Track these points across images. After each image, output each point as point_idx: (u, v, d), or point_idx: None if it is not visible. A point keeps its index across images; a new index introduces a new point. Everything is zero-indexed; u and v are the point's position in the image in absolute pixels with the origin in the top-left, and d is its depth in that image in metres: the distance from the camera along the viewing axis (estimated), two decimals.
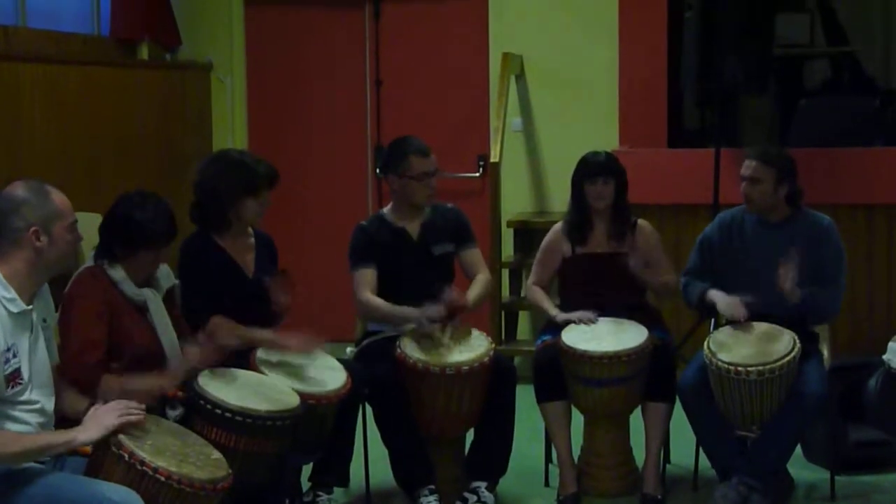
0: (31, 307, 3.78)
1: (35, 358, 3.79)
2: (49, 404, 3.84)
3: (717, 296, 5.31)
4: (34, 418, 3.76)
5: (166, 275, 4.56)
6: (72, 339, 4.19)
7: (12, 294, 3.72)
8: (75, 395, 4.01)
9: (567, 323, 5.42)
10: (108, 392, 3.96)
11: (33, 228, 3.74)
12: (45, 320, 3.91)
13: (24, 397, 3.73)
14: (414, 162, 5.40)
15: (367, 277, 5.40)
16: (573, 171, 5.62)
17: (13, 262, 3.75)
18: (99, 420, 3.66)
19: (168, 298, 4.58)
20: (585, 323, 5.38)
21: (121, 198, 4.46)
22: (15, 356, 3.70)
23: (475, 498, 5.28)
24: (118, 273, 4.35)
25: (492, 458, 5.39)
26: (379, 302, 5.36)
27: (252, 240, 5.11)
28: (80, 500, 3.52)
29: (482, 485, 5.33)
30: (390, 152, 5.50)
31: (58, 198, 3.84)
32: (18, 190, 3.80)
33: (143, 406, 3.78)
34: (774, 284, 5.16)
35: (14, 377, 3.69)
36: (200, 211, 4.99)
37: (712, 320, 5.63)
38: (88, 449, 3.73)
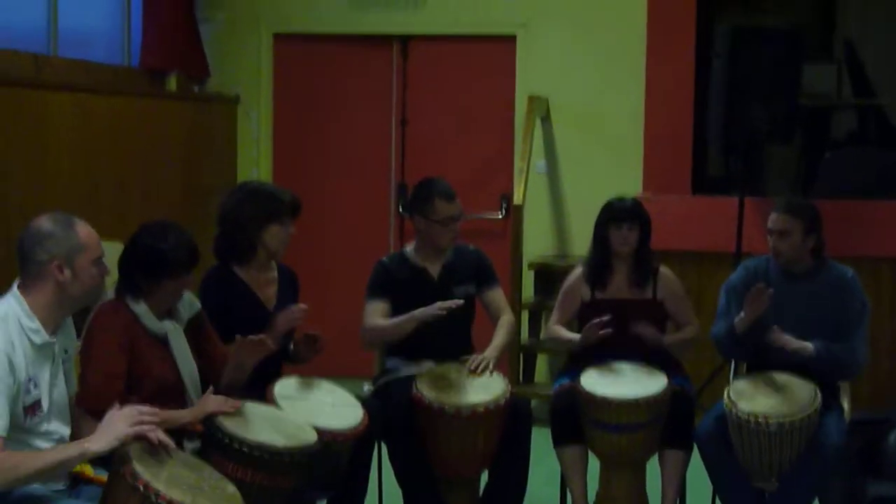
0: (54, 339, 3.79)
1: (55, 389, 3.79)
2: (66, 433, 3.84)
3: (738, 317, 5.25)
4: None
5: (189, 303, 4.56)
6: (92, 371, 4.18)
7: (37, 325, 3.73)
8: (93, 424, 4.00)
9: (587, 339, 5.39)
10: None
11: (56, 262, 3.74)
12: (66, 351, 3.92)
13: (43, 428, 3.73)
14: (439, 206, 5.40)
15: (378, 309, 5.39)
16: (598, 214, 5.62)
17: (38, 294, 3.76)
18: (111, 428, 3.60)
19: (196, 323, 4.58)
20: (599, 328, 5.35)
21: (141, 229, 4.46)
22: (36, 387, 3.70)
23: None
24: (140, 307, 4.35)
25: (506, 501, 5.36)
26: (382, 322, 5.35)
27: (275, 273, 5.11)
28: None
29: None
30: (416, 193, 5.50)
31: (83, 231, 3.83)
32: (44, 222, 3.81)
33: (157, 413, 3.75)
34: (799, 335, 5.15)
35: (34, 408, 3.69)
36: (225, 241, 4.99)
37: (732, 367, 5.61)
38: (104, 478, 3.72)
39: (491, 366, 5.30)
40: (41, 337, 3.73)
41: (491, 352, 5.38)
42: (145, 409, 3.70)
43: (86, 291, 3.85)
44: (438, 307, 5.17)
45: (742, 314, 5.20)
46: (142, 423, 3.63)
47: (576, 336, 5.50)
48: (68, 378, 3.93)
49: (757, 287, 5.15)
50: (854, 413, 5.34)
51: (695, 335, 5.57)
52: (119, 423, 3.61)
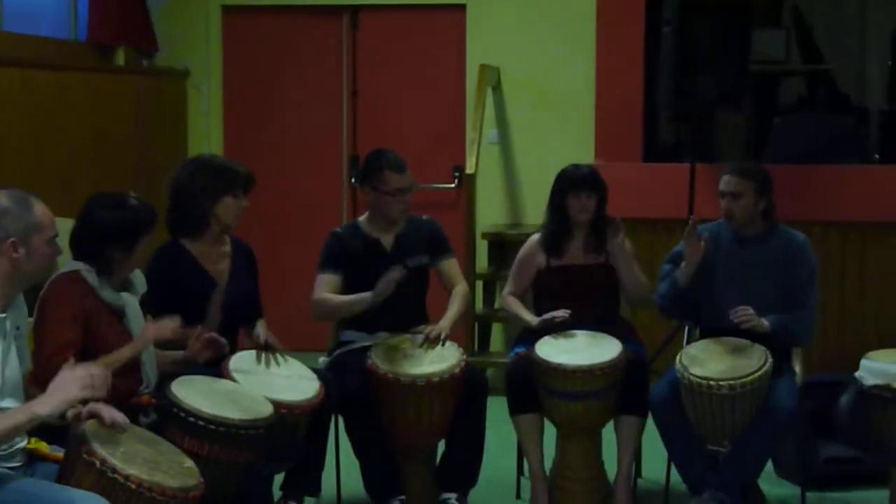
0: (4, 315, 3.76)
1: (7, 366, 3.77)
2: None
3: (679, 269, 5.32)
4: None
5: (140, 281, 4.54)
6: (46, 342, 4.17)
7: None
8: None
9: (544, 325, 5.41)
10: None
11: (11, 240, 3.72)
12: (17, 327, 3.89)
13: None
14: (389, 177, 5.39)
15: (328, 282, 5.39)
16: (553, 182, 5.63)
17: None
18: (61, 390, 3.55)
19: (141, 304, 4.56)
20: (559, 321, 5.38)
21: (92, 206, 4.39)
22: None
23: None
24: (97, 279, 4.32)
25: (462, 470, 5.38)
26: (331, 297, 5.36)
27: (228, 248, 5.09)
28: None
29: (452, 496, 5.32)
30: (366, 164, 5.50)
31: (40, 210, 3.81)
32: (1, 199, 3.78)
33: (108, 375, 3.72)
34: (749, 298, 5.20)
35: None
36: (177, 214, 4.96)
37: (686, 333, 5.65)
38: (60, 455, 3.71)
39: (443, 336, 5.32)
40: None
41: (445, 322, 5.39)
42: (97, 371, 3.65)
43: (38, 270, 3.84)
44: (383, 281, 5.17)
45: (683, 265, 5.26)
46: (92, 386, 3.58)
47: (533, 318, 5.52)
48: (21, 355, 3.90)
49: (690, 224, 5.21)
50: (805, 376, 5.39)
51: (647, 284, 5.57)
52: (70, 385, 3.56)
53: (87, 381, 3.58)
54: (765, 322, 5.18)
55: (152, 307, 4.73)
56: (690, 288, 5.32)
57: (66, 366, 3.67)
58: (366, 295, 5.26)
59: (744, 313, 5.15)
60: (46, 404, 3.54)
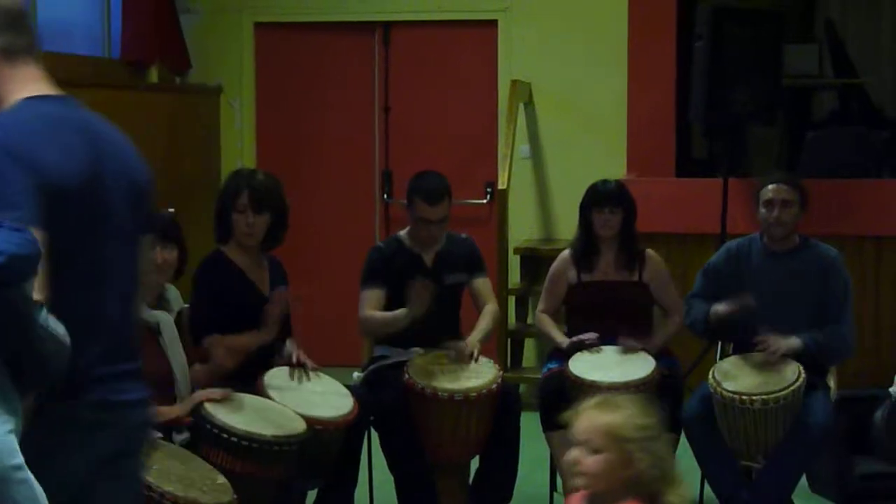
0: None
1: None
2: None
3: (718, 305, 5.30)
4: None
5: (176, 298, 4.57)
6: None
7: None
8: None
9: (574, 348, 5.41)
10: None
11: None
12: None
13: None
14: (418, 206, 5.40)
15: (373, 298, 5.39)
16: (582, 198, 5.63)
17: None
18: None
19: (177, 322, 4.58)
20: (588, 343, 5.38)
21: None
22: None
23: None
24: None
25: (496, 486, 5.38)
26: (374, 314, 5.37)
27: (265, 261, 5.12)
28: None
29: None
30: (410, 184, 5.51)
31: None
32: None
33: None
34: (782, 314, 5.17)
35: None
36: (216, 227, 5.06)
37: (718, 348, 5.63)
38: None
39: (476, 353, 5.31)
40: None
41: (476, 335, 5.40)
42: None
43: None
44: (415, 295, 5.18)
45: (722, 305, 5.23)
46: None
47: (563, 340, 5.51)
48: None
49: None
50: (840, 391, 5.36)
51: (679, 326, 5.58)
52: None
53: None
54: (793, 341, 5.14)
55: (200, 318, 4.77)
56: (721, 325, 5.30)
57: None
58: (405, 310, 5.25)
59: (767, 345, 5.13)
60: None
